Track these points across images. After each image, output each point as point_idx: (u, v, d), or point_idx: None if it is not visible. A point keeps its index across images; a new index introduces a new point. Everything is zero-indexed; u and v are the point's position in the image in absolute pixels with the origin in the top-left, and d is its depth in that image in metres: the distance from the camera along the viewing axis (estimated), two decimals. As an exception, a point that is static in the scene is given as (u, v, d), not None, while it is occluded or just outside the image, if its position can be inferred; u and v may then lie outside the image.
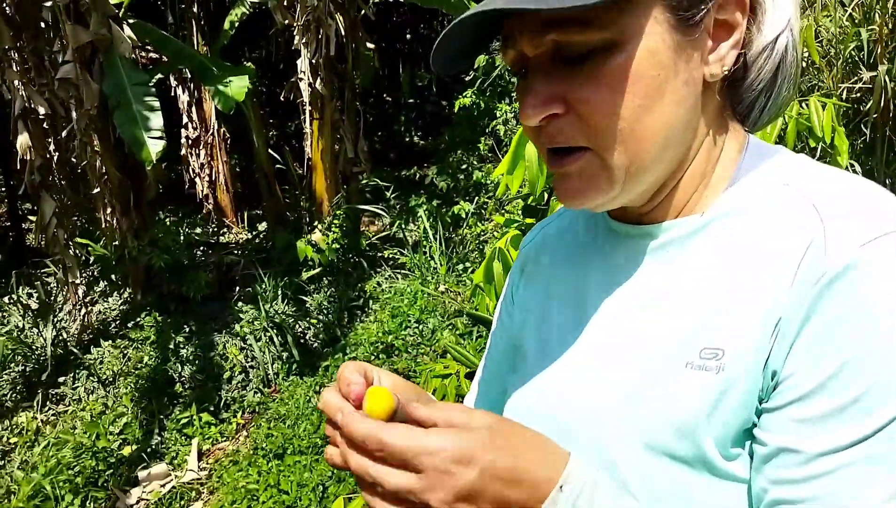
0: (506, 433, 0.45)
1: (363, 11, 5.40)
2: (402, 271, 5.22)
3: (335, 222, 5.15)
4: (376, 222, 6.48)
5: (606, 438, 0.53)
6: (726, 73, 0.51)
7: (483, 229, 5.05)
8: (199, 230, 5.86)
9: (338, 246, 5.06)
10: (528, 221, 1.20)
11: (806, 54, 2.05)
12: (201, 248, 5.59)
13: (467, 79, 7.16)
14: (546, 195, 1.23)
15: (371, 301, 4.82)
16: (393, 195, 6.82)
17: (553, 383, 0.61)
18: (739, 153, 0.56)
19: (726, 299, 0.50)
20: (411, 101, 10.73)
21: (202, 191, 6.24)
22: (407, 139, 10.97)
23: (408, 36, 11.26)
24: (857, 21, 2.27)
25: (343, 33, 5.20)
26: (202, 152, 6.18)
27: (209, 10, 6.49)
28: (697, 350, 0.50)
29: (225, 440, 3.69)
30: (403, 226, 5.88)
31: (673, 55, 0.48)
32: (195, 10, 6.13)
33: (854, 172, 2.40)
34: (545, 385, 0.62)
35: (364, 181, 5.99)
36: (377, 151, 10.37)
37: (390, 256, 5.44)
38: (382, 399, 0.46)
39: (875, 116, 2.33)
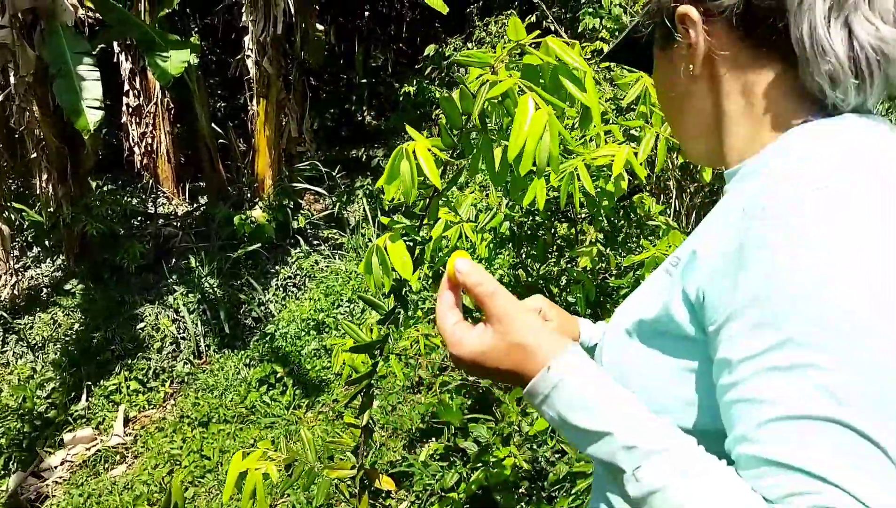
0: (503, 351, 0.63)
1: (313, -7, 5.46)
2: (341, 252, 5.36)
3: (275, 200, 5.24)
4: (321, 201, 6.58)
5: (609, 330, 0.75)
6: (692, 71, 0.67)
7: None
8: (135, 201, 5.85)
9: (276, 224, 5.17)
10: (406, 222, 1.35)
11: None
12: (138, 218, 5.60)
13: (418, 66, 7.29)
14: (425, 203, 1.36)
15: (307, 279, 4.96)
16: (339, 175, 6.92)
17: None
18: (784, 124, 0.63)
19: (706, 226, 0.64)
20: (364, 80, 10.74)
21: (141, 161, 6.21)
22: (359, 118, 11.00)
23: (366, 14, 11.23)
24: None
25: (293, 12, 5.26)
26: (143, 122, 6.14)
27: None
28: (672, 259, 0.67)
29: (152, 408, 3.79)
30: (345, 207, 6.00)
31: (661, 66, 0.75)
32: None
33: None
34: None
35: (306, 162, 6.08)
36: (329, 128, 10.37)
37: (329, 236, 5.57)
38: (450, 265, 0.67)
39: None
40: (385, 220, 1.41)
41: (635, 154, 1.81)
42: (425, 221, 1.36)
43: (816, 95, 0.60)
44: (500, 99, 1.12)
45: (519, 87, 1.01)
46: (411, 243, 1.30)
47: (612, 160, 1.68)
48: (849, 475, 0.45)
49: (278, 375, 3.75)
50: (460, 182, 2.85)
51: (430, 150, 1.13)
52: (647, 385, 0.64)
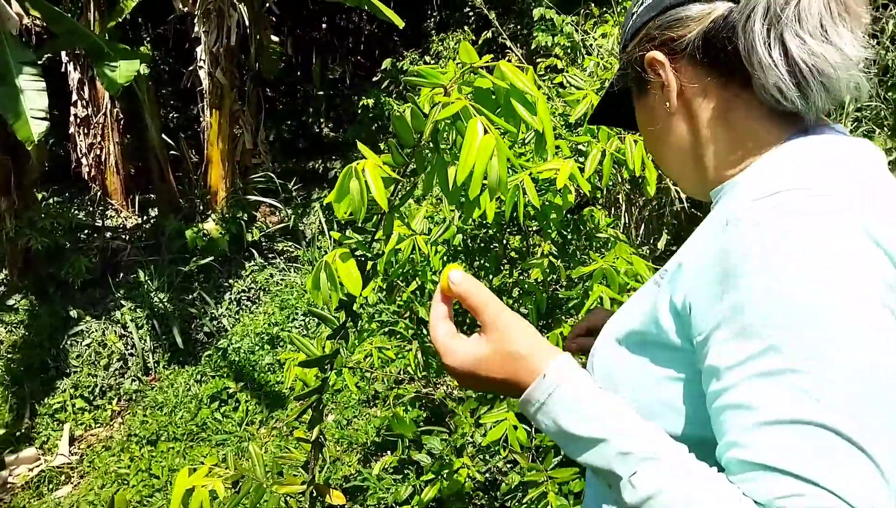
0: (497, 360, 0.65)
1: (267, 4, 5.43)
2: (296, 265, 5.31)
3: (229, 212, 5.17)
4: (277, 214, 6.51)
5: (600, 337, 0.77)
6: (669, 108, 0.72)
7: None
8: (83, 214, 5.69)
9: (230, 237, 5.09)
10: (357, 237, 1.35)
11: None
12: (85, 231, 5.45)
13: (375, 79, 7.31)
14: (378, 218, 1.37)
15: (262, 293, 4.89)
16: (295, 187, 6.85)
17: None
18: (765, 144, 0.67)
19: (692, 240, 0.66)
20: (321, 92, 10.69)
21: (89, 172, 6.04)
22: (316, 130, 10.93)
23: (323, 26, 11.20)
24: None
25: (247, 24, 5.22)
26: (91, 132, 5.98)
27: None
28: (661, 271, 0.69)
29: (99, 426, 3.68)
30: (301, 219, 5.95)
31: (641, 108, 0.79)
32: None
33: (681, 199, 2.74)
34: None
35: (261, 174, 6.01)
36: (286, 140, 10.28)
37: (284, 249, 5.51)
38: (444, 277, 0.70)
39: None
40: (336, 235, 1.42)
41: (581, 169, 1.86)
42: (378, 235, 1.37)
43: (774, 106, 0.64)
44: (451, 120, 1.14)
45: (470, 109, 1.03)
46: (362, 259, 1.31)
47: (557, 174, 1.72)
48: (833, 476, 0.48)
49: (231, 391, 3.69)
50: (417, 194, 2.87)
51: (381, 167, 1.14)
52: (635, 393, 0.66)
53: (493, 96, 1.09)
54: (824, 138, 0.64)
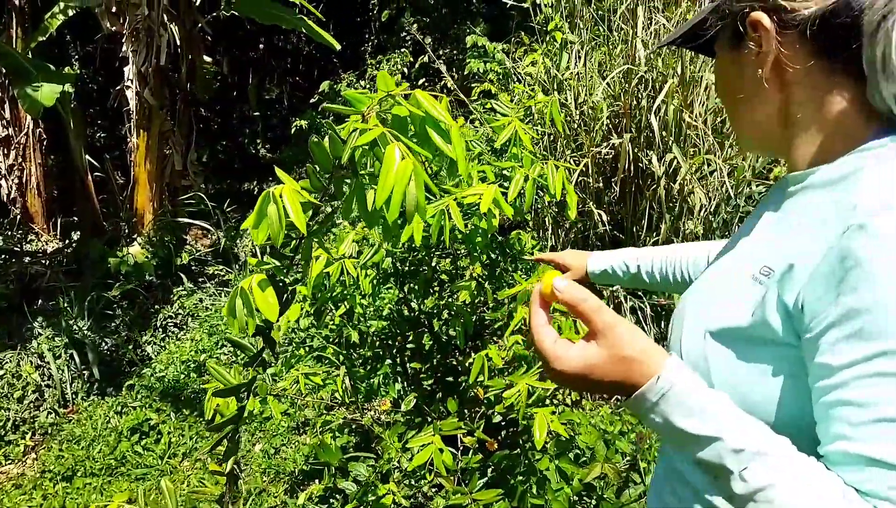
0: (609, 365, 0.64)
1: (199, 24, 5.35)
2: (227, 289, 5.17)
3: (156, 235, 5.01)
4: (209, 236, 6.33)
5: (685, 328, 0.76)
6: (760, 75, 0.69)
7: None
8: (1, 238, 5.40)
9: (157, 261, 4.93)
10: (275, 263, 1.33)
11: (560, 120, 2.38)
12: (3, 256, 5.17)
13: (313, 100, 7.28)
14: (297, 243, 1.35)
15: (190, 319, 4.73)
16: (229, 209, 6.70)
17: (687, 292, 0.84)
18: (853, 137, 0.66)
19: (796, 237, 0.66)
20: (258, 113, 10.56)
21: (9, 194, 5.76)
22: (253, 151, 10.77)
23: (261, 46, 11.09)
24: (608, 96, 2.74)
25: (178, 44, 5.12)
26: (13, 153, 5.72)
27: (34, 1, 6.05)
28: (759, 267, 0.68)
29: (9, 463, 3.46)
30: (234, 242, 5.82)
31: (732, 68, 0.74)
32: (17, 1, 5.69)
33: (603, 222, 2.82)
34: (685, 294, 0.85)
35: (190, 195, 5.86)
36: (221, 161, 10.08)
37: (215, 272, 5.37)
38: (545, 282, 0.69)
39: (622, 174, 2.78)
40: (252, 261, 1.39)
41: (504, 194, 1.90)
42: (298, 259, 1.35)
43: (879, 109, 0.64)
44: (369, 146, 1.14)
45: (387, 135, 1.04)
46: (281, 284, 1.29)
47: (481, 199, 1.75)
48: None
49: (152, 422, 3.54)
50: (351, 217, 2.85)
51: (299, 191, 1.13)
52: (732, 386, 0.68)
53: (411, 125, 1.10)
54: None
